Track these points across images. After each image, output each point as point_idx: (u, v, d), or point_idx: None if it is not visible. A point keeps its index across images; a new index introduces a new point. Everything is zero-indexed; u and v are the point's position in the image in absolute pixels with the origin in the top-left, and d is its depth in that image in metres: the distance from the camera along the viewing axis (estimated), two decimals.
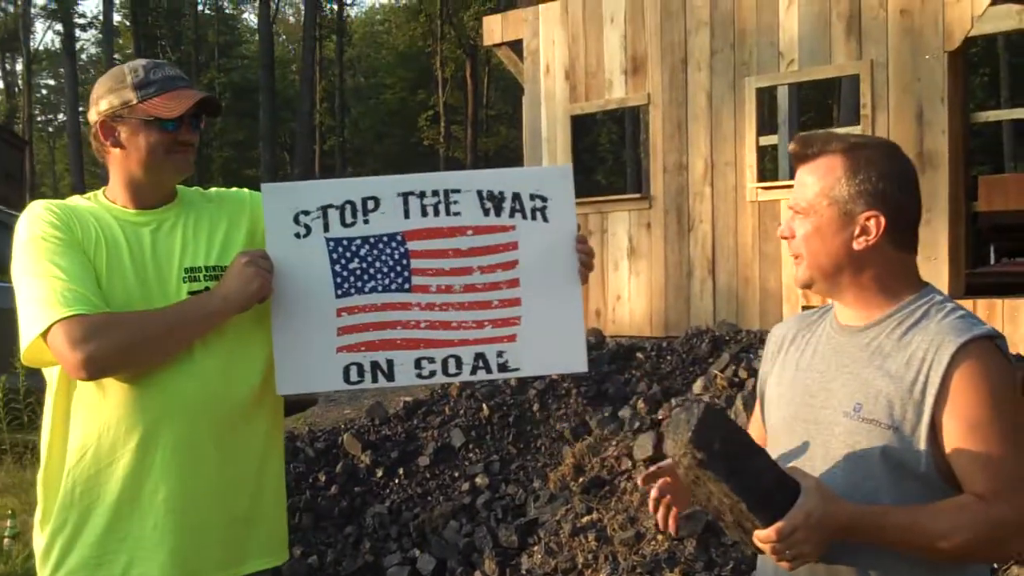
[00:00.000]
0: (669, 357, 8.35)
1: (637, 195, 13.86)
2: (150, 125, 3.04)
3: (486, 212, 3.19)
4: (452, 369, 3.18)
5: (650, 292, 13.17)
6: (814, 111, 30.18)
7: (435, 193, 3.18)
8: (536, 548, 6.26)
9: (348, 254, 3.13)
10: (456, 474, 7.29)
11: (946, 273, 10.78)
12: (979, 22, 12.23)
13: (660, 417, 6.95)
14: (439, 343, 3.16)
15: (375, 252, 3.14)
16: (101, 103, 3.09)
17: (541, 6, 14.38)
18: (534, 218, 3.20)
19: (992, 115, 19.39)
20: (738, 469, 2.36)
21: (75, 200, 3.16)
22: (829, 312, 2.75)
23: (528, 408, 7.77)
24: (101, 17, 50.15)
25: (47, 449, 3.08)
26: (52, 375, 3.05)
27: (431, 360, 3.16)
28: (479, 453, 7.43)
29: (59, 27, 52.15)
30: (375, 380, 3.16)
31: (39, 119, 68.18)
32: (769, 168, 18.87)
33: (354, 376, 3.14)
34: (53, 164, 71.37)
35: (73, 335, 2.80)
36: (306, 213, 3.12)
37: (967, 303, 10.59)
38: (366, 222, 3.15)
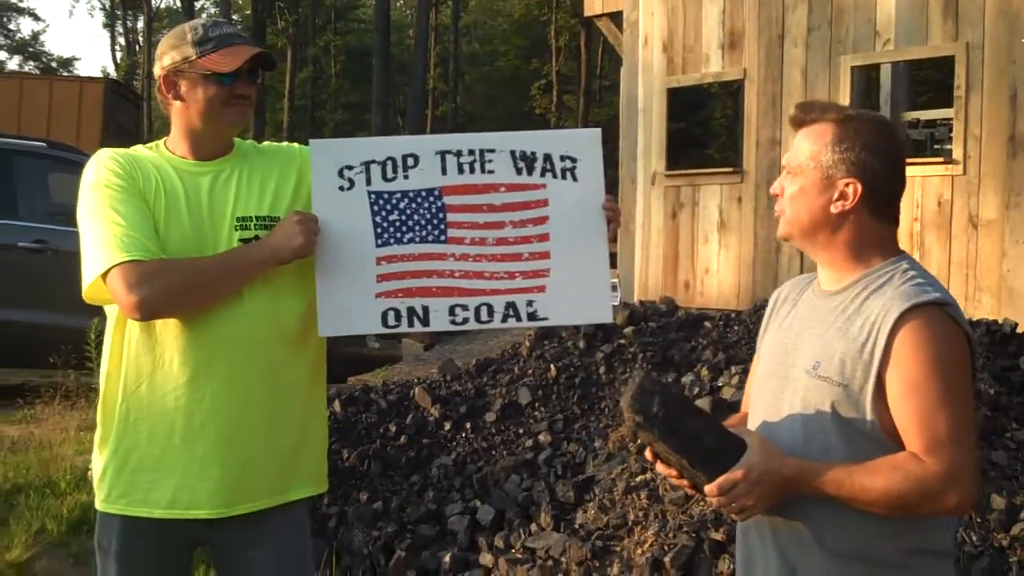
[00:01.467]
0: (736, 327, 8.47)
1: (729, 169, 13.91)
2: (208, 79, 3.25)
3: (518, 171, 3.38)
4: (484, 316, 3.37)
5: (739, 266, 13.25)
6: (933, 91, 29.61)
7: (471, 152, 3.38)
8: (591, 504, 6.44)
9: (388, 207, 3.33)
10: (521, 431, 7.49)
11: None
12: None
13: (720, 384, 7.09)
14: (472, 292, 3.35)
15: (413, 205, 3.34)
16: (164, 59, 3.32)
17: None
18: (564, 177, 3.39)
19: None
20: (676, 429, 2.59)
21: (138, 150, 3.38)
22: (816, 278, 2.91)
23: (595, 371, 7.95)
24: None
25: (105, 379, 3.30)
26: (112, 311, 3.29)
27: (464, 308, 3.35)
28: (544, 412, 7.63)
29: None
30: (411, 325, 3.35)
31: None
32: None
33: (391, 320, 3.34)
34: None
35: (129, 279, 3.04)
36: (350, 168, 3.33)
37: None
38: (406, 177, 3.35)
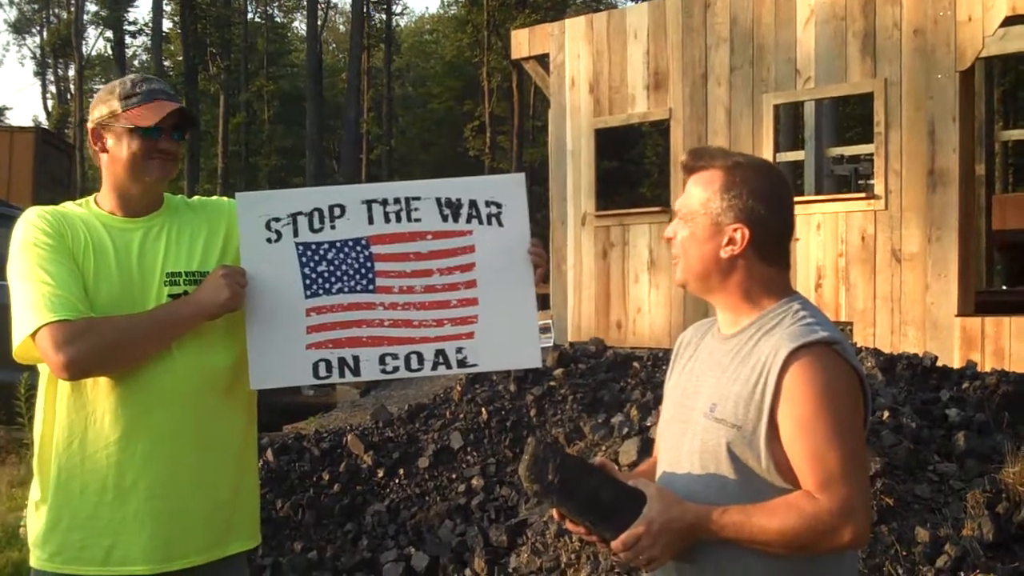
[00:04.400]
0: (664, 366, 8.53)
1: (658, 208, 14.05)
2: (132, 133, 3.29)
3: (444, 218, 3.42)
4: (414, 365, 3.41)
5: (670, 305, 13.36)
6: (860, 127, 30.08)
7: (397, 200, 3.42)
8: (524, 548, 6.48)
9: (316, 257, 3.37)
10: (453, 475, 7.52)
11: (955, 291, 10.90)
12: (1001, 41, 12.38)
13: (649, 424, 7.16)
14: (402, 340, 3.39)
15: (341, 256, 3.38)
16: (95, 112, 3.37)
17: (567, 21, 14.67)
18: (490, 223, 3.43)
19: (1015, 134, 19.47)
20: (573, 492, 2.63)
21: (68, 206, 3.40)
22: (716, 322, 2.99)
23: (526, 413, 8.00)
24: (151, 24, 50.61)
25: (39, 438, 3.32)
26: (44, 369, 3.30)
27: (395, 356, 3.39)
28: (476, 456, 7.66)
29: (110, 34, 52.70)
30: (342, 375, 3.39)
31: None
32: (791, 184, 18.95)
33: (323, 371, 3.37)
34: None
35: (57, 339, 3.06)
36: (277, 220, 3.37)
37: (975, 320, 10.74)
38: (333, 228, 3.39)
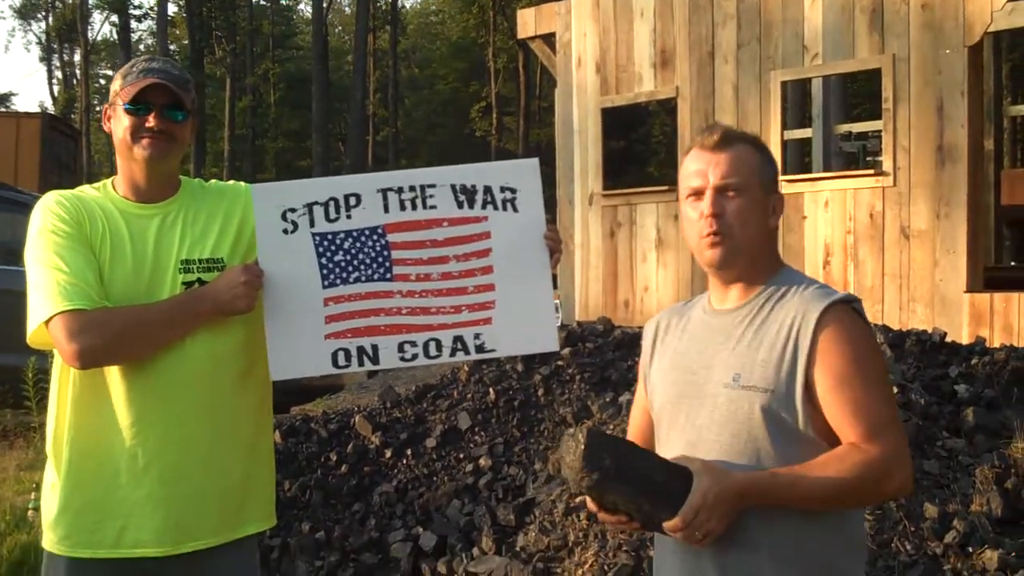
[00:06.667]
0: None
1: (665, 187, 14.01)
2: (125, 112, 3.30)
3: (460, 205, 3.42)
4: (433, 352, 3.41)
5: (677, 283, 13.33)
6: (868, 104, 29.90)
7: (412, 188, 3.42)
8: (531, 526, 6.48)
9: (333, 247, 3.37)
10: (461, 455, 7.53)
11: (964, 267, 10.86)
12: (1010, 16, 12.29)
13: None
14: (420, 328, 3.39)
15: (358, 245, 3.38)
16: (110, 92, 3.40)
17: (573, 0, 14.56)
18: (505, 209, 3.43)
19: (1023, 109, 19.38)
20: (631, 477, 2.59)
21: (85, 191, 3.41)
22: (699, 301, 3.03)
23: (533, 393, 8.00)
24: (156, 8, 50.53)
25: (53, 421, 3.34)
26: (57, 355, 3.30)
27: (413, 344, 3.39)
28: (484, 436, 7.67)
29: (115, 18, 52.67)
30: (361, 364, 3.38)
31: (97, 109, 68.94)
32: (794, 161, 18.93)
33: (342, 361, 3.37)
34: (111, 154, 71.89)
35: (70, 328, 3.07)
36: (292, 210, 3.37)
37: (984, 296, 10.71)
38: (349, 217, 3.39)
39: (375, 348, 3.38)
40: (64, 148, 26.47)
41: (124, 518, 3.25)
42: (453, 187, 3.43)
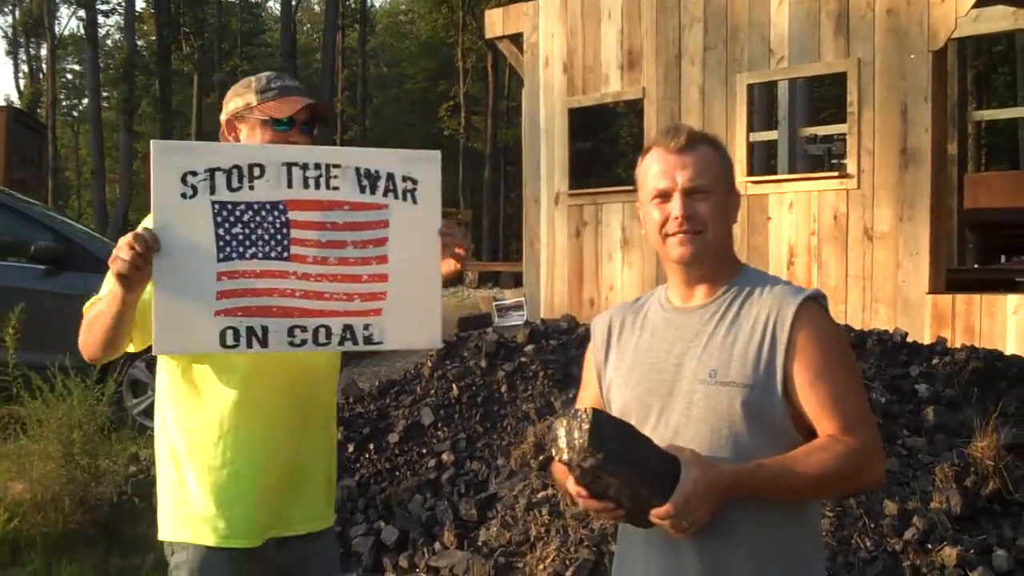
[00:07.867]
0: None
1: (631, 187, 14.00)
2: (265, 124, 3.49)
3: (362, 189, 3.32)
4: (322, 339, 3.30)
5: (642, 282, 13.36)
6: (834, 107, 30.01)
7: (317, 166, 3.30)
8: (493, 521, 6.51)
9: (232, 218, 3.22)
10: (424, 451, 7.54)
11: (926, 269, 10.91)
12: (975, 22, 12.41)
13: None
14: (312, 312, 3.28)
15: (257, 219, 3.24)
16: (229, 105, 3.59)
17: (541, 0, 14.58)
18: (405, 199, 3.35)
19: (987, 114, 19.54)
20: (632, 461, 2.57)
21: None
22: (650, 298, 3.05)
23: (496, 389, 8.01)
24: (124, 4, 50.22)
25: (160, 425, 3.58)
26: (161, 361, 3.55)
27: (303, 329, 3.28)
28: (447, 431, 7.68)
29: (82, 13, 52.31)
30: (250, 346, 3.25)
31: (63, 104, 68.57)
32: (760, 162, 19.03)
33: (230, 340, 3.24)
34: (77, 149, 71.66)
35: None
36: (194, 174, 3.20)
37: (946, 298, 10.79)
38: (251, 188, 3.24)
39: (265, 330, 3.24)
40: (30, 142, 26.27)
41: (226, 510, 3.47)
42: (357, 170, 3.32)
